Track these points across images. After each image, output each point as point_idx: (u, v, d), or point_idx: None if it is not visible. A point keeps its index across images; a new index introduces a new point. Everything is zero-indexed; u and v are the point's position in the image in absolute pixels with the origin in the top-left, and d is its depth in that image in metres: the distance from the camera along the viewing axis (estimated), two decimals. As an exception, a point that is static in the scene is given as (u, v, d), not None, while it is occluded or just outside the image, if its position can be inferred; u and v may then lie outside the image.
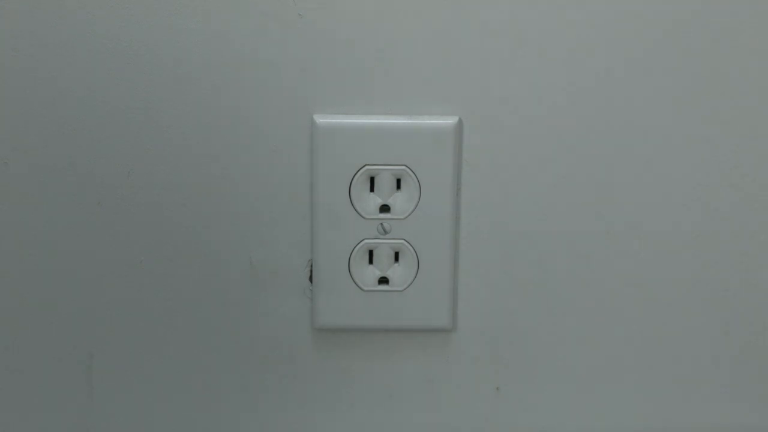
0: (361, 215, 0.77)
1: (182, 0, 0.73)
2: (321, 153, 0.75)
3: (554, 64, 0.74)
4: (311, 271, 0.78)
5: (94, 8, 0.73)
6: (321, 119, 0.75)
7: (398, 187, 0.76)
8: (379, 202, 0.76)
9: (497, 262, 0.79)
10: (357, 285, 0.78)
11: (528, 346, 0.81)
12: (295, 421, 0.82)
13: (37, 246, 0.77)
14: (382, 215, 0.77)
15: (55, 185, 0.76)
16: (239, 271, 0.78)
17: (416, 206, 0.76)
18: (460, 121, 0.75)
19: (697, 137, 0.76)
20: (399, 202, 0.77)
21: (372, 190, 0.76)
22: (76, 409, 0.81)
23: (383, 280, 0.78)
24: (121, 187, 0.76)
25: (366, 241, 0.77)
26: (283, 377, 0.81)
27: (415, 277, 0.78)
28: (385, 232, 0.77)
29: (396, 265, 0.78)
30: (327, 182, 0.76)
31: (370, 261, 0.78)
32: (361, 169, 0.76)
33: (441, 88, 0.75)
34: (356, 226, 0.77)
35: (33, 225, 0.77)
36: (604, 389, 0.82)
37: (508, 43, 0.74)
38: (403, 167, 0.76)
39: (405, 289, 0.78)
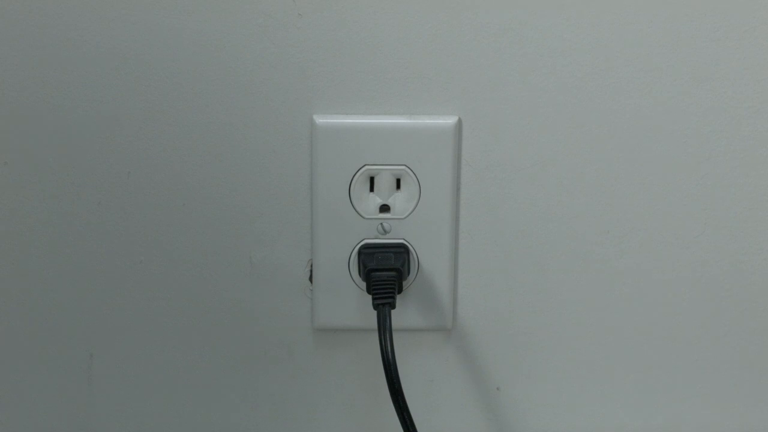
0: (361, 215, 0.77)
1: (182, 0, 0.73)
2: (321, 153, 0.75)
3: (554, 64, 0.74)
4: (311, 271, 0.78)
5: (94, 8, 0.73)
6: (321, 119, 0.75)
7: (398, 187, 0.76)
8: (379, 202, 0.76)
9: (497, 262, 0.79)
10: (357, 285, 0.78)
11: (528, 346, 0.81)
12: (295, 421, 0.82)
13: (37, 246, 0.77)
14: (382, 215, 0.77)
15: (55, 185, 0.76)
16: (239, 270, 0.78)
17: (416, 206, 0.76)
18: (459, 121, 0.75)
19: (698, 137, 0.76)
20: (399, 202, 0.77)
21: (372, 190, 0.76)
22: (76, 409, 0.81)
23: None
24: (121, 187, 0.76)
25: (366, 241, 0.77)
26: (283, 377, 0.81)
27: (416, 276, 0.78)
28: (385, 232, 0.77)
29: (396, 265, 0.78)
30: (327, 182, 0.76)
31: (371, 261, 0.78)
32: (361, 169, 0.76)
33: (441, 88, 0.75)
34: (356, 226, 0.77)
35: (33, 225, 0.77)
36: (604, 389, 0.82)
37: (508, 43, 0.74)
38: (403, 167, 0.76)
39: (405, 288, 0.78)
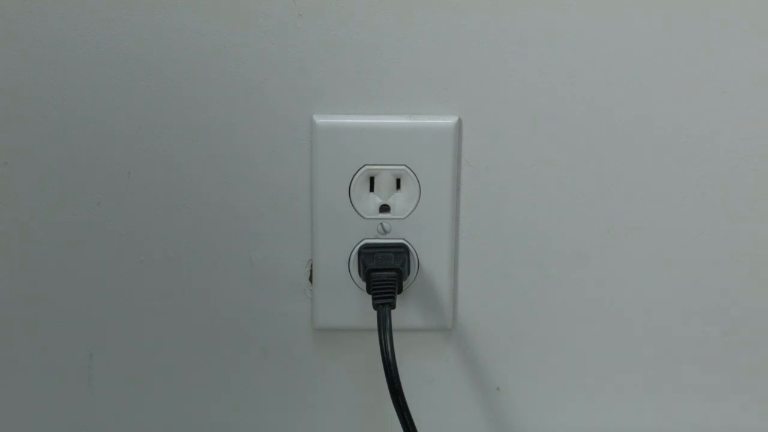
0: (361, 215, 0.77)
1: (182, 0, 0.73)
2: (321, 153, 0.75)
3: (554, 64, 0.74)
4: (311, 271, 0.78)
5: (94, 8, 0.73)
6: (321, 119, 0.75)
7: (398, 187, 0.76)
8: (379, 202, 0.76)
9: (497, 262, 0.79)
10: (357, 285, 0.78)
11: (528, 346, 0.81)
12: (295, 421, 0.82)
13: (37, 246, 0.77)
14: (382, 215, 0.77)
15: (55, 185, 0.76)
16: (239, 270, 0.78)
17: (416, 206, 0.76)
18: (459, 121, 0.75)
19: (698, 137, 0.76)
20: (399, 202, 0.77)
21: (372, 190, 0.76)
22: (76, 409, 0.81)
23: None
24: (121, 187, 0.76)
25: (366, 241, 0.77)
26: (283, 377, 0.81)
27: (416, 276, 0.78)
28: (385, 232, 0.77)
29: (396, 265, 0.78)
30: (327, 182, 0.76)
31: (371, 261, 0.78)
32: (361, 169, 0.76)
33: (441, 88, 0.75)
34: (356, 226, 0.77)
35: (33, 225, 0.77)
36: (604, 389, 0.82)
37: (508, 44, 0.74)
38: (403, 167, 0.76)
39: (405, 288, 0.78)
